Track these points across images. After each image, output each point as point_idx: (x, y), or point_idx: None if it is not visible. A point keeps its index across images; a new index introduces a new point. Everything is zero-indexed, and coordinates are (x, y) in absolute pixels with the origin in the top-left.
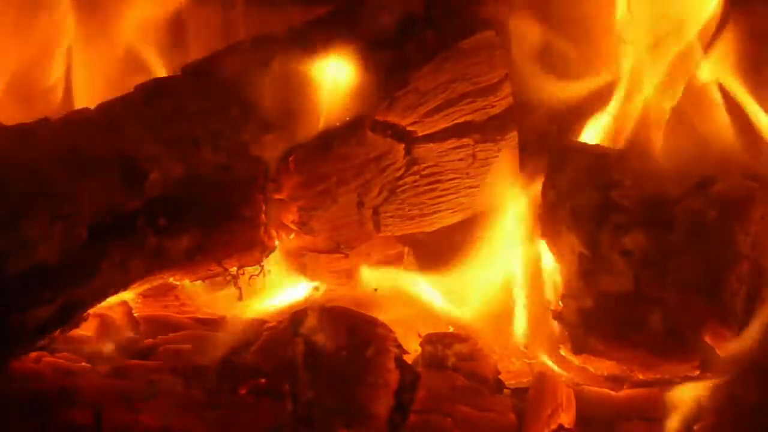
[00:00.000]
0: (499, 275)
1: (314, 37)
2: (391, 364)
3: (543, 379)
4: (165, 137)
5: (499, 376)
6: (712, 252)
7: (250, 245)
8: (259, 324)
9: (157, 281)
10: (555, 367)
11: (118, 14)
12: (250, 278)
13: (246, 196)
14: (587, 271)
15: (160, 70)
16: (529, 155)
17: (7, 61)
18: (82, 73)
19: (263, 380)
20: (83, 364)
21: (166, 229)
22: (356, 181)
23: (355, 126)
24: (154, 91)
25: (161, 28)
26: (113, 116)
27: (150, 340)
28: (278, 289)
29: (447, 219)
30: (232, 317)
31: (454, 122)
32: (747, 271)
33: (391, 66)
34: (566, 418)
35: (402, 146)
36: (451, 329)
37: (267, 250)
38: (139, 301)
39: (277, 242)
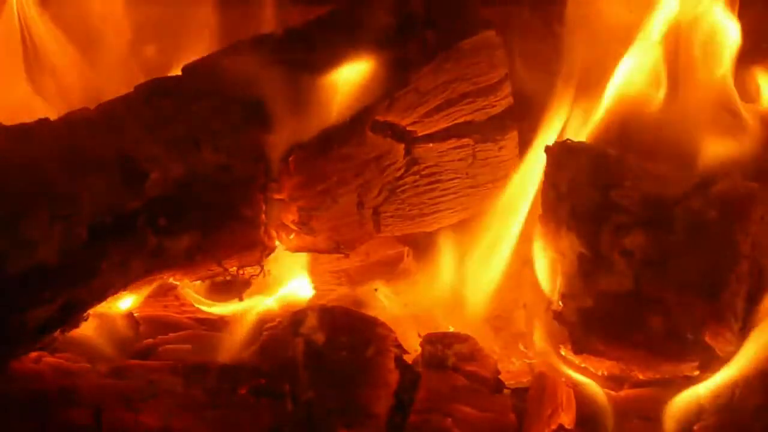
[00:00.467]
0: (499, 275)
1: (314, 37)
2: (391, 364)
3: (543, 379)
4: (165, 137)
5: (499, 376)
6: (712, 252)
7: (250, 245)
8: (259, 324)
9: (157, 281)
10: (557, 366)
11: None
12: (250, 278)
13: (246, 196)
14: (587, 271)
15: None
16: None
17: None
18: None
19: (263, 380)
20: (83, 364)
21: (166, 229)
22: (356, 181)
23: (355, 126)
24: (154, 91)
25: (161, 28)
26: (113, 116)
27: (150, 340)
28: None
29: (447, 219)
30: (232, 317)
31: (454, 122)
32: (747, 271)
33: (391, 66)
34: (566, 418)
35: (402, 146)
36: (451, 329)
37: (267, 250)
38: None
39: (277, 242)
